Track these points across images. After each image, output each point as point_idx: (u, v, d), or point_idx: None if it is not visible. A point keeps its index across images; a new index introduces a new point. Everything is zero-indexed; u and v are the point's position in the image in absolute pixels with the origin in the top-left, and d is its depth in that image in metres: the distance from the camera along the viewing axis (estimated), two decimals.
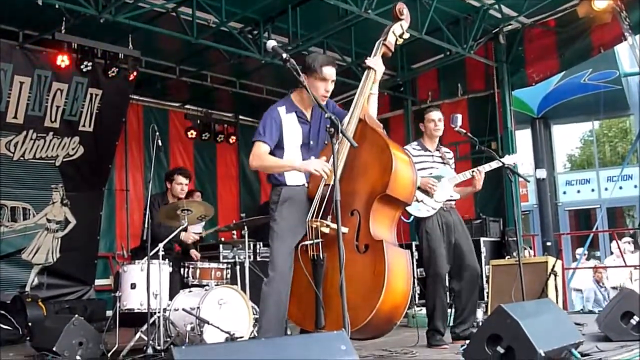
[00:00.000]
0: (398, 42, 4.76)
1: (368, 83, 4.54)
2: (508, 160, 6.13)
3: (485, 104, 10.58)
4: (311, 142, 4.52)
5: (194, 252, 7.24)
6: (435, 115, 5.94)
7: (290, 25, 8.66)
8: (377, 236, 4.17)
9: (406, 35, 4.80)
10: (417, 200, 5.65)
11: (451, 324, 5.95)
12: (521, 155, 6.45)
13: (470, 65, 10.73)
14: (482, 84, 10.83)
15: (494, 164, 5.90)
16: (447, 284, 5.99)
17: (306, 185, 4.48)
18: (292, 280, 4.34)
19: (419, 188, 5.65)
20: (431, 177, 5.78)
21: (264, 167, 4.54)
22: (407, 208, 5.65)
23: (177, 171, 7.23)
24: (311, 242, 4.24)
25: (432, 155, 5.95)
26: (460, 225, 5.89)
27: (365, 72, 4.61)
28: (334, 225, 3.75)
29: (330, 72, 4.43)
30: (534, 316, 3.98)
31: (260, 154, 4.41)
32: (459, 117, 5.90)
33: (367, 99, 4.52)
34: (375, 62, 4.60)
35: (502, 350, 3.82)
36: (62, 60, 8.07)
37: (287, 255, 4.36)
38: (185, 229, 6.42)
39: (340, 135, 3.75)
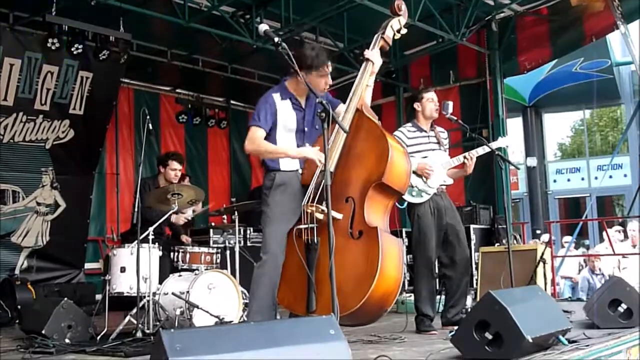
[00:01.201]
0: (395, 37, 4.82)
1: (366, 75, 4.58)
2: (499, 143, 6.14)
3: (477, 92, 10.59)
4: (305, 129, 4.55)
5: (184, 237, 7.24)
6: (432, 95, 5.97)
7: (282, 9, 8.63)
8: (371, 223, 4.20)
9: (404, 31, 4.85)
10: (411, 186, 5.68)
11: (441, 309, 5.97)
12: (511, 139, 6.47)
13: (463, 53, 10.73)
14: (474, 71, 10.83)
15: (487, 148, 5.91)
16: (437, 270, 6.01)
17: (300, 171, 4.51)
18: (285, 265, 4.37)
19: (414, 172, 5.69)
20: (425, 161, 5.78)
21: (258, 151, 4.54)
22: None
23: (171, 156, 7.19)
24: (305, 226, 4.26)
25: (428, 136, 5.95)
26: (451, 209, 5.91)
27: (364, 64, 4.65)
28: None
29: (330, 66, 4.50)
30: (522, 303, 4.01)
31: (256, 138, 4.43)
32: (450, 104, 5.90)
33: (364, 90, 4.54)
34: (374, 55, 4.62)
35: (490, 337, 3.84)
36: (53, 43, 7.99)
37: (279, 239, 4.39)
38: (176, 213, 6.41)
39: (332, 121, 3.75)
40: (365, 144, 4.40)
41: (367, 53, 4.66)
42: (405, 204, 5.88)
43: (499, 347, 3.79)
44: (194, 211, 7.30)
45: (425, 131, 5.96)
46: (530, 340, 3.73)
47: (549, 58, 10.86)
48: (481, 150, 5.91)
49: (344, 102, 4.56)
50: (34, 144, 8.69)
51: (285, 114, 4.50)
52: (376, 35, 4.74)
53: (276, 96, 4.52)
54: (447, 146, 6.09)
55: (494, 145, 6.05)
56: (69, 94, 8.78)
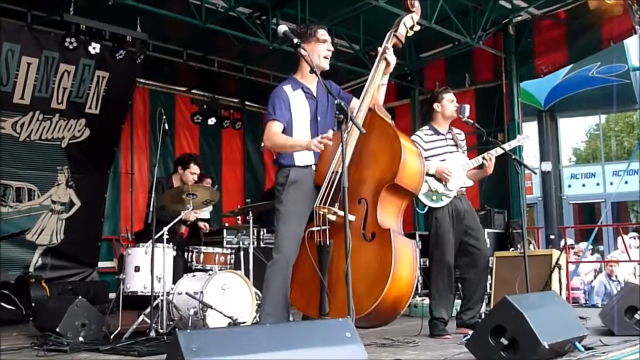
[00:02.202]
0: (408, 34, 4.76)
1: (379, 72, 4.51)
2: (518, 141, 6.11)
3: (492, 95, 10.56)
4: (319, 118, 4.52)
5: (202, 224, 7.23)
6: (451, 96, 5.92)
7: (299, 11, 8.64)
8: (384, 225, 4.15)
9: (417, 28, 4.78)
10: (431, 190, 5.64)
11: (457, 311, 5.93)
12: (529, 136, 6.40)
13: (479, 56, 10.70)
14: (490, 74, 10.80)
15: (506, 146, 5.85)
16: (454, 273, 5.94)
17: (313, 167, 4.47)
18: (297, 266, 4.33)
19: (433, 176, 5.64)
20: (444, 165, 5.73)
21: (274, 146, 4.50)
22: (422, 199, 5.65)
23: (192, 159, 7.15)
24: (318, 228, 4.23)
25: (445, 139, 5.89)
26: (470, 212, 5.85)
27: (377, 62, 4.57)
28: (341, 213, 3.73)
29: (325, 32, 4.52)
30: (538, 308, 3.97)
31: (272, 134, 4.41)
32: (467, 107, 5.86)
33: (377, 89, 4.50)
34: (387, 52, 4.57)
35: (505, 342, 3.80)
36: (70, 42, 8.02)
37: (292, 238, 4.34)
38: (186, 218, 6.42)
39: (349, 121, 3.72)
40: (378, 143, 4.34)
41: (382, 48, 4.56)
42: (426, 208, 5.84)
43: (515, 353, 3.76)
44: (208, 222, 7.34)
45: (443, 134, 5.90)
46: (547, 347, 3.69)
47: (565, 62, 10.82)
48: (500, 150, 5.84)
49: None
50: (49, 143, 8.74)
51: (299, 104, 4.49)
52: (389, 33, 4.66)
53: (287, 88, 4.52)
54: (465, 148, 6.04)
55: (514, 143, 6.00)
56: (85, 93, 8.83)
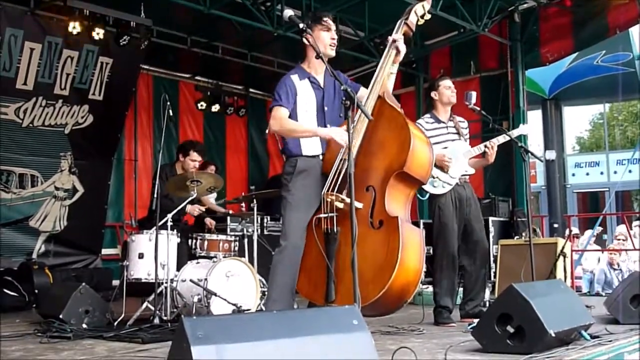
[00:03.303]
0: (419, 22, 4.73)
1: (388, 60, 4.49)
2: (520, 130, 6.08)
3: (497, 83, 10.51)
4: (326, 108, 4.51)
5: (208, 220, 7.22)
6: (448, 83, 5.89)
7: None
8: (392, 213, 4.14)
9: (427, 16, 4.76)
10: (432, 177, 5.62)
11: (459, 301, 5.92)
12: (531, 127, 6.40)
13: (484, 44, 10.64)
14: (495, 62, 10.74)
15: (507, 137, 5.84)
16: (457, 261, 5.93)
17: (321, 157, 4.46)
18: (304, 253, 4.33)
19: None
20: (445, 152, 5.72)
21: (284, 130, 4.47)
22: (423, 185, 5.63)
23: (193, 147, 7.11)
24: (325, 215, 4.21)
25: (447, 127, 5.87)
26: (473, 200, 5.83)
27: (387, 49, 4.53)
28: (349, 200, 3.71)
29: (329, 19, 4.50)
30: (545, 296, 3.95)
31: (281, 117, 4.39)
32: (474, 94, 5.85)
33: (387, 78, 4.47)
34: (399, 39, 4.52)
35: (512, 330, 3.80)
36: (74, 27, 7.98)
37: (299, 226, 4.34)
38: (192, 202, 6.40)
39: (357, 108, 3.69)
40: (387, 132, 4.33)
41: (393, 37, 4.52)
42: (427, 195, 5.82)
43: (521, 341, 3.75)
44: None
45: (444, 122, 5.88)
46: (553, 335, 3.68)
47: (571, 50, 10.74)
48: (502, 139, 5.83)
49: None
50: (53, 129, 8.72)
51: (305, 93, 4.47)
52: (399, 21, 4.64)
53: (294, 77, 4.50)
54: (467, 136, 6.01)
55: (515, 133, 5.98)
56: (89, 79, 8.80)
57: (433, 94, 5.92)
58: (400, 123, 4.30)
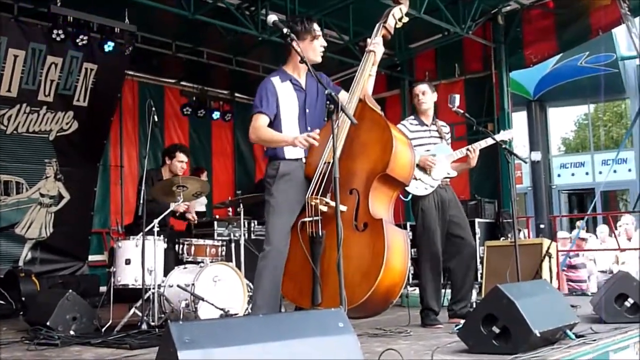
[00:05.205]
0: (397, 26, 4.76)
1: (368, 64, 4.52)
2: (503, 135, 6.12)
3: (482, 85, 10.58)
4: (307, 110, 4.50)
5: (191, 215, 7.22)
6: (419, 88, 5.90)
7: (288, 2, 8.58)
8: (376, 215, 4.16)
9: (405, 19, 4.80)
10: (415, 179, 5.64)
11: (447, 303, 5.95)
12: (515, 131, 6.43)
13: (468, 46, 10.71)
14: (479, 65, 10.82)
15: (490, 141, 5.89)
16: (442, 264, 5.96)
17: (304, 160, 4.46)
18: (289, 257, 4.32)
19: (417, 166, 5.65)
20: (429, 154, 5.76)
21: (260, 140, 4.49)
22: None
23: (177, 148, 7.13)
24: (310, 219, 4.22)
25: (429, 130, 5.91)
26: (454, 201, 5.87)
27: (365, 54, 4.59)
28: (333, 203, 3.73)
29: (317, 27, 4.52)
30: (530, 297, 3.98)
31: (258, 127, 4.38)
32: (457, 97, 5.87)
33: (366, 80, 4.50)
34: (376, 45, 4.57)
35: (497, 330, 3.82)
36: (58, 34, 7.95)
37: (283, 230, 4.33)
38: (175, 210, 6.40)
39: (340, 112, 3.71)
40: (369, 134, 4.34)
41: (369, 43, 4.59)
42: (410, 196, 5.85)
43: (506, 341, 3.77)
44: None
45: (427, 125, 5.92)
46: (538, 335, 3.71)
47: (555, 52, 10.85)
48: (484, 143, 5.88)
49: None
50: (37, 135, 8.69)
51: (287, 96, 4.46)
52: (378, 24, 4.68)
53: (275, 80, 4.48)
54: (449, 140, 6.06)
55: (498, 137, 6.02)
56: (73, 86, 8.77)
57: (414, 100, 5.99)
58: (382, 125, 4.33)
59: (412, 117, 6.01)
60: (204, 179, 9.06)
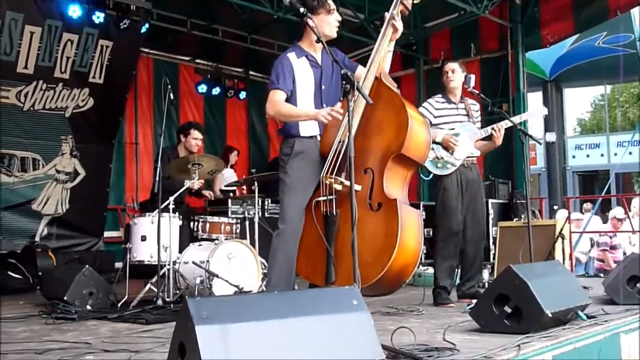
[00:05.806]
0: (415, 1, 4.70)
1: (385, 39, 4.45)
2: (524, 116, 6.09)
3: (498, 65, 10.51)
4: (323, 86, 4.49)
5: (207, 192, 7.25)
6: (449, 66, 5.91)
7: None
8: (390, 195, 4.17)
9: None
10: (437, 158, 5.65)
11: (457, 282, 5.97)
12: (545, 110, 6.38)
13: (484, 25, 10.62)
14: (495, 44, 10.74)
15: (515, 120, 5.87)
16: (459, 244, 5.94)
17: (318, 138, 4.46)
18: (303, 236, 4.35)
19: (440, 144, 5.65)
20: (452, 133, 5.74)
21: (280, 114, 4.48)
22: (427, 166, 5.65)
23: (192, 125, 7.18)
24: (324, 198, 4.24)
25: (457, 108, 5.89)
26: (477, 182, 5.86)
27: (383, 28, 4.49)
28: (348, 182, 3.75)
29: (332, 2, 4.50)
30: (542, 277, 3.99)
31: (277, 101, 4.38)
32: (472, 77, 5.87)
33: (384, 57, 4.46)
34: (395, 16, 4.48)
35: (509, 310, 3.84)
36: (74, 11, 8.00)
37: (297, 208, 4.35)
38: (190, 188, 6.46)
39: (356, 92, 3.70)
40: (384, 113, 4.31)
41: (391, 13, 4.46)
42: (431, 175, 5.84)
43: (518, 321, 3.80)
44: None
45: (454, 103, 5.90)
46: (550, 315, 3.73)
47: (572, 32, 10.74)
48: (510, 122, 5.84)
49: None
50: (53, 112, 8.74)
51: (303, 72, 4.45)
52: (395, 0, 4.60)
53: (291, 55, 4.47)
54: (478, 119, 6.02)
55: (525, 115, 5.97)
56: (89, 63, 8.80)
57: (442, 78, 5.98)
58: (398, 104, 4.30)
59: (440, 95, 5.97)
60: (235, 158, 9.16)
